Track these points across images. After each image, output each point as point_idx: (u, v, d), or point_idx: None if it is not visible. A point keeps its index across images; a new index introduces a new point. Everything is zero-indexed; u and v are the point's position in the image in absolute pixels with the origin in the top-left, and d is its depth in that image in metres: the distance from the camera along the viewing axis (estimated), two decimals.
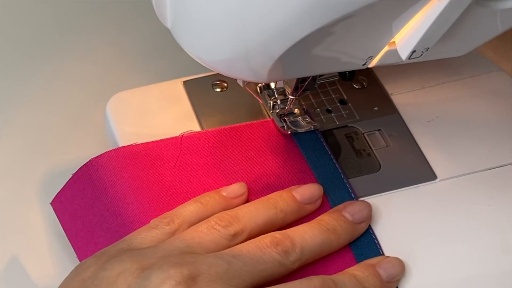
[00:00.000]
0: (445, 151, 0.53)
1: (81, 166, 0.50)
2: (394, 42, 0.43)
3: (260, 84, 0.53)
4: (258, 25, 0.39)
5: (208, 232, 0.44)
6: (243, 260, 0.42)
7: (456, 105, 0.56)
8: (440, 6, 0.39)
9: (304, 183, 0.49)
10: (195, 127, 0.53)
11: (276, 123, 0.52)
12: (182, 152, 0.50)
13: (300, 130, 0.52)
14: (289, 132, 0.52)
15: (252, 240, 0.44)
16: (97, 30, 0.67)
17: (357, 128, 0.54)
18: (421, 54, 0.43)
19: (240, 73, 0.44)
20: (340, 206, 0.48)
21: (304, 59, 0.43)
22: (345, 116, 0.54)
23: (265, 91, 0.53)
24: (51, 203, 0.52)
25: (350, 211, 0.47)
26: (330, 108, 0.55)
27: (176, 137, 0.51)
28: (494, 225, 0.49)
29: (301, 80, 0.49)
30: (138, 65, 0.65)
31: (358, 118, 0.54)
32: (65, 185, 0.51)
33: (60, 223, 0.52)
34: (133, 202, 0.48)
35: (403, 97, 0.56)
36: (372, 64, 0.45)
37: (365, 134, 0.54)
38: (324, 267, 0.46)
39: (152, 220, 0.46)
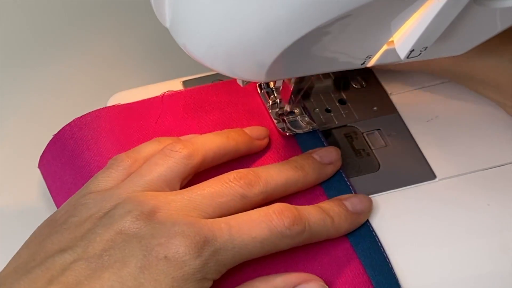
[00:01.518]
0: (444, 150, 0.53)
1: (64, 126, 0.52)
2: (392, 41, 0.43)
3: (259, 84, 0.54)
4: (256, 25, 0.39)
5: (163, 162, 0.45)
6: (203, 194, 0.44)
7: (456, 104, 0.56)
8: (438, 5, 0.39)
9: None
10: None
11: (276, 122, 0.52)
12: (164, 111, 0.52)
13: (299, 131, 0.52)
14: (287, 134, 0.52)
15: (217, 177, 0.45)
16: (97, 30, 0.67)
17: (356, 128, 0.54)
18: (420, 53, 0.43)
19: (239, 72, 0.44)
20: (311, 150, 0.50)
21: (302, 59, 0.42)
22: (344, 116, 0.54)
23: (264, 91, 0.53)
24: (38, 167, 0.54)
25: (319, 153, 0.49)
26: (329, 108, 0.55)
27: (157, 96, 0.53)
28: (494, 225, 0.49)
29: (295, 92, 0.50)
30: (138, 65, 0.65)
31: (357, 117, 0.54)
32: (47, 145, 0.53)
33: (46, 185, 0.53)
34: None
35: (402, 97, 0.56)
36: (370, 63, 0.45)
37: (364, 134, 0.54)
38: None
39: (108, 161, 0.47)
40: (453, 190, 0.51)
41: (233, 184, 0.44)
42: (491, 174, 0.52)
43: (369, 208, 0.48)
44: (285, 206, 0.44)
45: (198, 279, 0.41)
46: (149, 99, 0.53)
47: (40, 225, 0.45)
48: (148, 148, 0.47)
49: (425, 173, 0.52)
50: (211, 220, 0.43)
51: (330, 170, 0.49)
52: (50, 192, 0.53)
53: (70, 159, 0.52)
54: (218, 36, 0.41)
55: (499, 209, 0.50)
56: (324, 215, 0.45)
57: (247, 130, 0.50)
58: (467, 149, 0.53)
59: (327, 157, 0.49)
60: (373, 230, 0.48)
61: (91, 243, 0.41)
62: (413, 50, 0.43)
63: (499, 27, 0.44)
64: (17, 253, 0.43)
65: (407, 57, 0.43)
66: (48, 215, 0.46)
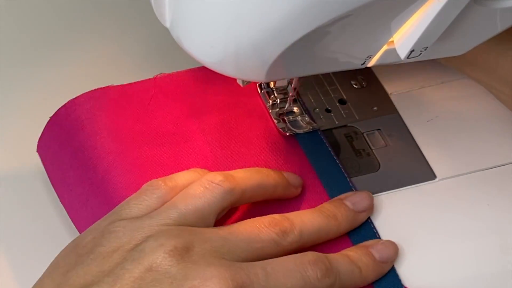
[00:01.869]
0: (445, 150, 0.53)
1: (59, 108, 0.52)
2: (392, 41, 0.43)
3: (259, 84, 0.54)
4: (257, 25, 0.39)
5: (201, 194, 0.44)
6: (239, 237, 0.42)
7: (456, 104, 0.56)
8: (438, 5, 0.39)
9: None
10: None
11: (276, 122, 0.52)
12: (156, 92, 0.53)
13: (299, 131, 0.52)
14: (287, 134, 0.52)
15: (251, 219, 0.44)
16: (97, 29, 0.67)
17: (357, 128, 0.54)
18: (420, 53, 0.43)
19: (239, 72, 0.44)
20: (342, 195, 0.48)
21: (303, 59, 0.43)
22: (344, 116, 0.54)
23: (264, 90, 0.53)
24: (37, 151, 0.54)
25: (351, 200, 0.48)
26: (329, 108, 0.55)
27: (150, 78, 0.53)
28: (494, 225, 0.49)
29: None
30: (138, 65, 0.65)
31: (357, 117, 0.54)
32: (44, 128, 0.53)
33: (45, 170, 0.53)
34: (108, 136, 0.50)
35: (402, 97, 0.56)
36: (371, 63, 0.45)
37: (364, 134, 0.54)
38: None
39: (143, 186, 0.45)
40: (453, 190, 0.51)
41: (269, 230, 0.43)
42: (491, 174, 0.52)
43: (395, 255, 0.46)
44: (319, 256, 0.43)
45: None
46: (142, 81, 0.53)
47: (64, 249, 0.43)
48: (186, 176, 0.46)
49: (425, 173, 0.52)
50: (247, 264, 0.41)
51: (363, 219, 0.48)
52: (48, 176, 0.53)
53: (66, 140, 0.52)
54: (218, 36, 0.41)
55: (499, 209, 0.50)
56: (353, 266, 0.44)
57: (285, 174, 0.49)
58: (467, 149, 0.53)
59: (361, 205, 0.48)
60: (374, 225, 0.48)
61: (119, 280, 0.39)
62: (413, 50, 0.43)
63: (499, 27, 0.44)
64: (40, 281, 0.42)
65: (407, 57, 0.43)
66: (47, 200, 0.45)
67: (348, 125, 0.54)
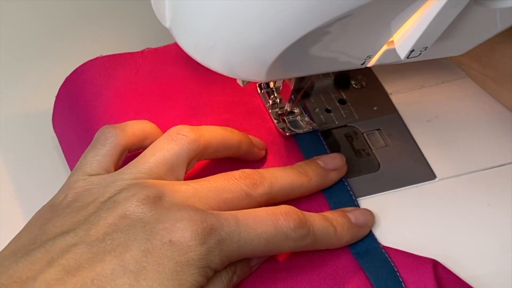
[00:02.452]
0: (445, 150, 0.53)
1: (60, 87, 0.56)
2: (392, 41, 0.43)
3: (259, 84, 0.54)
4: (257, 25, 0.39)
5: (169, 146, 0.45)
6: (209, 188, 0.44)
7: (456, 104, 0.56)
8: (438, 5, 0.39)
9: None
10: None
11: (276, 122, 0.52)
12: (144, 63, 0.55)
13: (299, 131, 0.52)
14: (287, 134, 0.52)
15: (222, 173, 0.45)
16: (97, 29, 0.67)
17: (356, 128, 0.54)
18: (420, 53, 0.43)
19: (239, 72, 0.44)
20: (316, 157, 0.50)
21: (302, 59, 0.43)
22: (344, 116, 0.54)
23: (264, 90, 0.53)
24: (54, 130, 0.57)
25: (323, 159, 0.49)
26: (329, 108, 0.55)
27: (138, 51, 0.56)
28: (494, 225, 0.49)
29: (295, 91, 0.50)
30: None
31: (357, 117, 0.54)
32: (53, 107, 0.56)
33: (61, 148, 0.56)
34: (106, 97, 0.53)
35: (402, 97, 0.56)
36: (371, 63, 0.45)
37: (364, 134, 0.54)
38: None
39: (95, 135, 0.46)
40: (453, 190, 0.51)
41: (239, 182, 0.44)
42: (491, 174, 0.52)
43: (371, 222, 0.48)
44: (292, 208, 0.44)
45: (201, 266, 0.40)
46: (130, 53, 0.55)
47: (41, 209, 0.44)
48: (136, 123, 0.48)
49: (425, 173, 0.52)
50: (217, 211, 0.42)
51: (334, 177, 0.49)
52: (63, 153, 0.56)
53: (68, 115, 0.54)
54: (218, 36, 0.41)
55: (499, 209, 0.50)
56: (328, 223, 0.45)
57: (250, 136, 0.50)
58: (467, 149, 0.53)
59: (331, 163, 0.49)
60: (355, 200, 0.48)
61: (93, 226, 0.41)
62: (413, 50, 0.43)
63: (499, 27, 0.44)
64: (17, 235, 0.43)
65: (407, 57, 0.43)
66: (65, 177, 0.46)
67: (348, 125, 0.54)
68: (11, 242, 0.42)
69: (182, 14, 0.42)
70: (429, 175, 0.52)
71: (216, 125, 0.52)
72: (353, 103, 0.55)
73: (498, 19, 0.43)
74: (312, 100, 0.55)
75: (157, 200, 0.42)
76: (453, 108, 0.55)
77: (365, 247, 0.47)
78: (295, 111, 0.53)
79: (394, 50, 0.43)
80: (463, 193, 0.51)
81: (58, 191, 0.45)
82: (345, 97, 0.56)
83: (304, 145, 0.52)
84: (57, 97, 0.56)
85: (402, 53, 0.43)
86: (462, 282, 0.46)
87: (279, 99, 0.53)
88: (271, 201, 0.45)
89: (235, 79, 0.50)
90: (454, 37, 0.43)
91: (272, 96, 0.53)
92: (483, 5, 0.41)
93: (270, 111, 0.53)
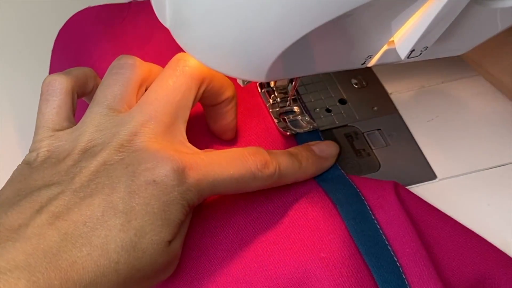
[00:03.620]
0: (445, 150, 0.53)
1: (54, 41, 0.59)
2: (393, 41, 0.43)
3: (259, 83, 0.54)
4: (257, 25, 0.39)
5: (114, 81, 0.46)
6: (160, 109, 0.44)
7: (456, 104, 0.56)
8: (439, 5, 0.39)
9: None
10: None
11: (276, 122, 0.52)
12: (131, 13, 0.57)
13: (299, 131, 0.52)
14: (288, 134, 0.52)
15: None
16: None
17: (357, 128, 0.54)
18: (420, 53, 0.43)
19: (240, 72, 0.44)
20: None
21: (303, 58, 0.42)
22: (344, 116, 0.54)
23: (265, 90, 0.53)
24: None
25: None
26: (329, 108, 0.55)
27: (125, 3, 0.59)
28: (494, 225, 0.49)
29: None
30: None
31: (357, 117, 0.54)
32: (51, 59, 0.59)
33: None
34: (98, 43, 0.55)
35: (402, 97, 0.56)
36: (371, 63, 0.45)
37: (364, 134, 0.54)
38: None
39: (41, 85, 0.47)
40: (454, 190, 0.51)
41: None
42: (491, 174, 0.52)
43: (335, 152, 0.50)
44: (259, 149, 0.45)
45: (183, 205, 0.42)
46: (118, 4, 0.58)
47: (16, 168, 0.44)
48: (76, 68, 0.48)
49: (426, 173, 0.52)
50: (192, 151, 0.44)
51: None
52: None
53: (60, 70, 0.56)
54: (219, 36, 0.41)
55: (499, 209, 0.50)
56: (293, 159, 0.47)
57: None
58: (467, 149, 0.53)
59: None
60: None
61: (76, 175, 0.41)
62: (413, 50, 0.43)
63: (500, 27, 0.44)
64: None
65: (408, 57, 0.43)
66: None
67: (349, 125, 0.54)
68: None
69: (183, 14, 0.41)
70: (430, 175, 0.52)
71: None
72: (353, 103, 0.55)
73: (499, 19, 0.43)
74: (313, 100, 0.55)
75: (132, 136, 0.43)
76: (453, 108, 0.56)
77: (329, 175, 0.49)
78: (296, 110, 0.53)
79: (394, 50, 0.43)
80: (463, 193, 0.51)
81: (28, 152, 0.45)
82: (345, 97, 0.56)
83: None
84: (53, 51, 0.58)
85: (403, 53, 0.43)
86: (420, 199, 0.48)
87: (280, 99, 0.53)
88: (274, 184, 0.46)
89: (236, 79, 0.50)
90: (455, 37, 0.43)
91: (272, 96, 0.53)
92: (483, 5, 0.41)
93: (270, 110, 0.53)
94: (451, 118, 0.55)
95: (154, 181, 0.41)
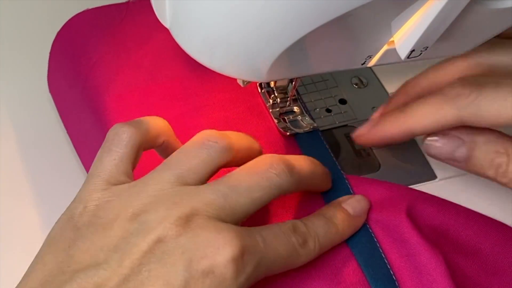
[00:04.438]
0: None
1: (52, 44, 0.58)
2: (393, 41, 0.43)
3: (259, 83, 0.54)
4: (257, 25, 0.39)
5: (196, 153, 0.42)
6: (239, 191, 0.41)
7: None
8: (439, 5, 0.39)
9: None
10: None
11: (276, 122, 0.52)
12: (129, 13, 0.57)
13: (299, 131, 0.52)
14: (288, 134, 0.52)
15: (248, 164, 0.43)
16: None
17: (357, 128, 0.54)
18: (420, 53, 0.43)
19: (240, 73, 0.44)
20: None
21: (303, 59, 0.42)
22: (344, 116, 0.54)
23: (264, 90, 0.53)
24: (50, 92, 0.60)
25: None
26: (329, 108, 0.55)
27: (123, 2, 0.58)
28: None
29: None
30: None
31: (357, 117, 0.54)
32: (48, 63, 0.59)
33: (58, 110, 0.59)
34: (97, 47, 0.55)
35: None
36: (371, 63, 0.45)
37: None
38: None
39: (107, 134, 0.43)
40: (454, 190, 0.51)
41: (270, 172, 0.42)
42: None
43: (367, 207, 0.47)
44: (297, 223, 0.43)
45: None
46: (116, 4, 0.57)
47: (58, 222, 0.41)
48: (149, 119, 0.45)
49: (426, 173, 0.52)
50: (247, 229, 0.40)
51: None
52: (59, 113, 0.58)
53: (59, 73, 0.57)
54: (218, 36, 0.41)
55: (499, 209, 0.50)
56: (330, 224, 0.44)
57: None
58: None
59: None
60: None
61: (126, 256, 0.38)
62: (413, 50, 0.43)
63: (500, 27, 0.44)
64: (40, 258, 0.40)
65: (408, 57, 0.43)
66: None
67: (349, 125, 0.54)
68: (35, 266, 0.39)
69: (183, 14, 0.41)
70: (430, 175, 0.52)
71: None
72: (353, 103, 0.55)
73: (499, 19, 0.43)
74: (313, 100, 0.55)
75: (190, 218, 0.39)
76: None
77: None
78: (296, 110, 0.53)
79: (394, 50, 0.43)
80: (463, 193, 0.51)
81: (75, 200, 0.42)
82: (345, 97, 0.56)
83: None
84: (50, 53, 0.58)
85: (403, 53, 0.43)
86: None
87: (280, 99, 0.53)
88: (296, 187, 0.44)
89: (236, 79, 0.50)
90: (455, 37, 0.43)
91: (272, 96, 0.53)
92: (483, 5, 0.41)
93: (270, 110, 0.53)
94: None
95: (213, 272, 0.38)
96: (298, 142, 0.52)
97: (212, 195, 0.40)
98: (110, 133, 0.43)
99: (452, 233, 0.46)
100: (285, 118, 0.53)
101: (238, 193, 0.41)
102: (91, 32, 0.57)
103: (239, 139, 0.45)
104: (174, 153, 0.43)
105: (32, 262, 0.40)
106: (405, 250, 0.45)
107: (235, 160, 0.44)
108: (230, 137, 0.43)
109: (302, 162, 0.45)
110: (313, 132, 0.52)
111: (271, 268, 0.41)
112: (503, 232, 0.47)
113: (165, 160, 0.43)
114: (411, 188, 0.49)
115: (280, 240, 0.41)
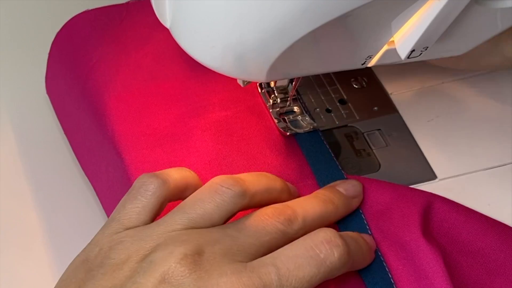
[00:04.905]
0: (445, 150, 0.53)
1: (51, 44, 0.59)
2: (393, 41, 0.43)
3: (259, 83, 0.54)
4: (257, 25, 0.39)
5: (210, 198, 0.42)
6: (247, 234, 0.41)
7: (456, 104, 0.56)
8: (439, 5, 0.39)
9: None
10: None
11: (276, 122, 0.52)
12: (128, 14, 0.57)
13: (299, 131, 0.52)
14: (288, 134, 0.52)
15: (253, 212, 0.43)
16: None
17: (357, 128, 0.54)
18: (420, 53, 0.43)
19: (240, 72, 0.44)
20: (332, 183, 0.48)
21: (303, 59, 0.43)
22: (344, 116, 0.54)
23: (264, 90, 0.53)
24: (47, 93, 0.60)
25: (343, 186, 0.47)
26: (329, 108, 0.55)
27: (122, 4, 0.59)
28: None
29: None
30: None
31: (357, 117, 0.54)
32: (46, 68, 0.59)
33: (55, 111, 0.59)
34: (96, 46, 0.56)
35: (403, 97, 0.56)
36: (371, 63, 0.45)
37: (365, 134, 0.54)
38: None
39: (134, 183, 0.44)
40: (454, 190, 0.51)
41: (274, 221, 0.42)
42: (491, 174, 0.52)
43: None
44: (332, 232, 0.42)
45: None
46: (115, 5, 0.58)
47: (73, 263, 0.42)
48: (178, 171, 0.45)
49: (426, 173, 0.52)
50: (257, 262, 0.40)
51: (355, 204, 0.47)
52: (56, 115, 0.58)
53: (59, 74, 0.57)
54: (219, 36, 0.41)
55: (499, 209, 0.50)
56: (361, 241, 0.44)
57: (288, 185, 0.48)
58: (467, 149, 0.53)
59: (351, 190, 0.47)
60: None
61: None
62: (413, 50, 0.43)
63: (500, 27, 0.44)
64: None
65: (408, 57, 0.43)
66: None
67: (349, 125, 0.54)
68: None
69: (183, 14, 0.42)
70: (430, 175, 0.52)
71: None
72: (353, 103, 0.55)
73: (499, 19, 0.43)
74: (313, 100, 0.55)
75: (196, 258, 0.39)
76: (453, 108, 0.55)
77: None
78: (296, 110, 0.53)
79: (394, 50, 0.43)
80: (463, 193, 0.51)
81: (91, 242, 0.42)
82: (345, 97, 0.56)
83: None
84: (49, 54, 0.58)
85: (403, 53, 0.43)
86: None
87: (280, 99, 0.53)
88: (305, 234, 0.43)
89: (236, 79, 0.50)
90: (455, 37, 0.43)
91: (272, 96, 0.53)
92: (483, 5, 0.41)
93: (270, 110, 0.53)
94: (451, 118, 0.55)
95: None
96: (298, 142, 0.52)
97: (219, 235, 0.41)
98: (137, 183, 0.44)
99: (453, 231, 0.46)
100: (285, 118, 0.53)
101: (246, 235, 0.41)
102: (91, 33, 0.57)
103: (256, 183, 0.44)
104: (188, 198, 0.43)
105: None
106: (404, 253, 0.45)
107: (253, 203, 0.44)
108: (245, 182, 0.43)
109: (305, 205, 0.45)
110: (313, 132, 0.52)
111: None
112: (503, 231, 0.47)
113: (180, 204, 0.43)
114: (411, 188, 0.49)
115: (303, 263, 0.40)
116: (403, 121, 0.54)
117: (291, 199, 0.46)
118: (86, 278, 0.40)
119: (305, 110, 0.54)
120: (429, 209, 0.47)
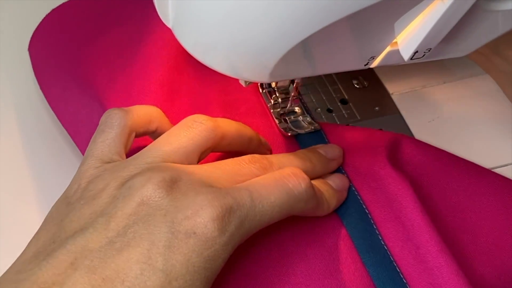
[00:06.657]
0: (445, 151, 0.53)
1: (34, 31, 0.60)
2: (396, 42, 0.43)
3: (261, 83, 0.54)
4: (260, 25, 0.39)
5: (185, 133, 0.44)
6: (223, 170, 0.43)
7: (457, 105, 0.56)
8: (443, 7, 0.39)
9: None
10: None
11: (277, 122, 0.52)
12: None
13: (300, 131, 0.52)
14: (289, 134, 0.52)
15: (232, 158, 0.45)
16: None
17: None
18: (423, 55, 0.43)
19: (242, 73, 0.44)
20: (314, 146, 0.50)
21: (306, 60, 0.42)
22: (346, 116, 0.54)
23: (266, 90, 0.53)
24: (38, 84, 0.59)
25: (323, 148, 0.49)
26: (331, 108, 0.55)
27: None
28: None
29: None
30: None
31: (359, 118, 0.54)
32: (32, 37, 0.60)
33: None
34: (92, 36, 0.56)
35: (404, 97, 0.56)
36: (374, 64, 0.45)
37: None
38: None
39: (101, 119, 0.46)
40: None
41: (250, 165, 0.44)
42: None
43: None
44: (299, 169, 0.43)
45: (224, 259, 0.40)
46: None
47: (55, 203, 0.43)
48: (141, 106, 0.47)
49: None
50: (231, 188, 0.42)
51: (334, 166, 0.49)
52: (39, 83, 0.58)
53: (45, 63, 0.57)
54: (221, 36, 0.41)
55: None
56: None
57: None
58: (468, 149, 0.53)
59: (331, 153, 0.49)
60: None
61: (112, 218, 0.39)
62: (416, 52, 0.43)
63: (501, 29, 0.44)
64: (35, 235, 0.41)
65: (411, 59, 0.43)
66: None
67: (350, 125, 0.54)
68: (30, 242, 0.41)
69: (185, 14, 0.41)
70: None
71: None
72: (355, 103, 0.55)
73: (501, 22, 0.43)
74: (314, 100, 0.55)
75: (173, 183, 0.40)
76: (454, 109, 0.56)
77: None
78: (297, 111, 0.53)
79: (397, 51, 0.43)
80: None
81: (71, 182, 0.43)
82: (347, 97, 0.56)
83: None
84: (30, 46, 0.59)
85: (406, 55, 0.43)
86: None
87: (281, 99, 0.53)
88: None
89: (237, 79, 0.50)
90: (458, 39, 0.43)
91: (273, 96, 0.53)
92: (487, 7, 0.41)
93: (271, 111, 0.53)
94: (452, 119, 0.55)
95: (195, 233, 0.39)
96: (299, 142, 0.52)
97: (196, 169, 0.42)
98: (103, 117, 0.46)
99: (422, 165, 0.49)
100: (286, 118, 0.53)
101: (222, 172, 0.43)
102: (74, 21, 0.57)
103: (227, 123, 0.46)
104: (163, 135, 0.45)
105: (30, 240, 0.41)
106: (374, 183, 0.47)
107: (223, 144, 0.46)
108: (217, 120, 0.45)
109: (283, 159, 0.47)
110: (315, 132, 0.52)
111: (265, 219, 0.42)
112: (472, 167, 0.49)
113: (154, 141, 0.44)
114: (382, 131, 0.51)
115: (273, 189, 0.42)
116: (404, 121, 0.54)
117: (261, 149, 0.49)
118: (67, 211, 0.41)
119: (306, 110, 0.53)
120: (397, 144, 0.49)
